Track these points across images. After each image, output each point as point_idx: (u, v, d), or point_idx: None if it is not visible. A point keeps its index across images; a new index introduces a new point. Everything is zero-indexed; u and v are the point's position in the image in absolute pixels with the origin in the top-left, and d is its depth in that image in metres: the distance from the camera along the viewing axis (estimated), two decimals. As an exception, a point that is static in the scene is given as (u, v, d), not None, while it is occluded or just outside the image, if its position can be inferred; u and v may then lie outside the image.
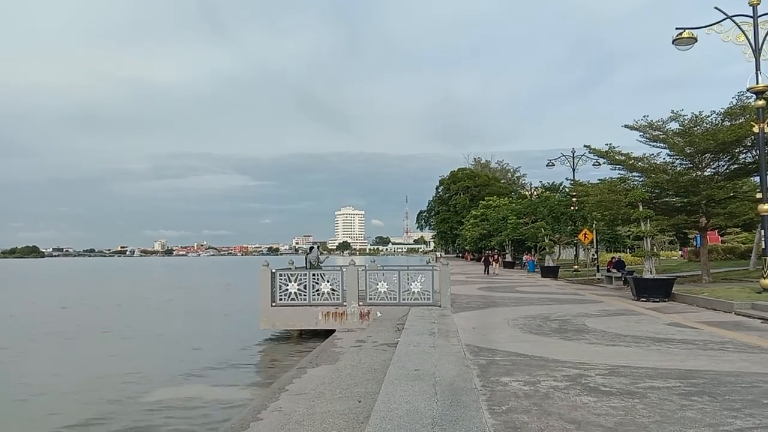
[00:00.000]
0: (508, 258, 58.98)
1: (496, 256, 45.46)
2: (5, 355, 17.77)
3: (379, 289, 18.45)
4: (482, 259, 47.98)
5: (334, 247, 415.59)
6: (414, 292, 18.27)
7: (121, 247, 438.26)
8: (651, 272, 20.45)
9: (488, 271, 41.50)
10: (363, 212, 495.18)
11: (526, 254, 53.11)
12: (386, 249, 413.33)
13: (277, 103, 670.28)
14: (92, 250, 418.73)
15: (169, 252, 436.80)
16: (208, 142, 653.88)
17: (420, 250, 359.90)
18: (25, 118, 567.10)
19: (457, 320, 14.65)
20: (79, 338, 21.49)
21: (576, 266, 41.20)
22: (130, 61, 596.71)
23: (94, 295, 45.04)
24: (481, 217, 70.68)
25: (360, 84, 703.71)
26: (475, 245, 78.52)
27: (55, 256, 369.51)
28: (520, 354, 9.83)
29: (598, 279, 32.01)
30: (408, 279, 18.52)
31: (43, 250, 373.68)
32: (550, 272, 37.50)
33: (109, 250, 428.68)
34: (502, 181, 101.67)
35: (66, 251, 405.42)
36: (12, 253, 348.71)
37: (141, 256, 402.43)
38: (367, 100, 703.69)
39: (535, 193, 62.64)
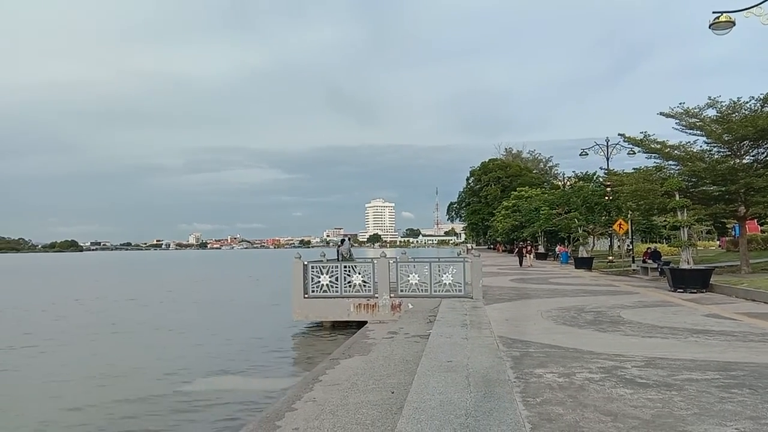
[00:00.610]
0: (541, 249, 58.35)
1: (529, 248, 44.81)
2: (44, 348, 18.32)
3: (411, 281, 18.47)
4: (516, 251, 47.43)
5: (365, 240, 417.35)
6: (445, 284, 18.24)
7: (157, 241, 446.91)
8: (688, 263, 20.04)
9: (522, 263, 41.00)
10: (393, 204, 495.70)
11: (559, 245, 52.51)
12: (417, 241, 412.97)
13: (306, 97, 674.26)
14: (129, 244, 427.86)
15: (203, 245, 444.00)
16: (240, 136, 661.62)
17: (451, 242, 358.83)
18: (65, 115, 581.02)
19: (490, 312, 14.59)
20: (121, 330, 22.00)
21: (611, 257, 40.58)
22: (164, 58, 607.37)
23: (132, 288, 46.07)
24: (512, 208, 70.01)
25: (388, 75, 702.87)
26: (506, 237, 77.89)
27: (93, 249, 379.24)
28: (554, 346, 9.75)
29: (634, 270, 31.46)
30: (439, 271, 18.50)
31: (81, 245, 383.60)
32: (584, 263, 37.02)
33: (145, 243, 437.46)
34: (534, 172, 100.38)
35: (103, 245, 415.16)
36: (52, 247, 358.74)
37: (176, 249, 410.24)
38: (395, 92, 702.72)
39: (568, 183, 61.70)
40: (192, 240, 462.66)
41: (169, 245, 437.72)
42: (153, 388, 12.33)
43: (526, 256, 41.33)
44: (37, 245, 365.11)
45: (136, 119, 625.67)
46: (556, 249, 52.28)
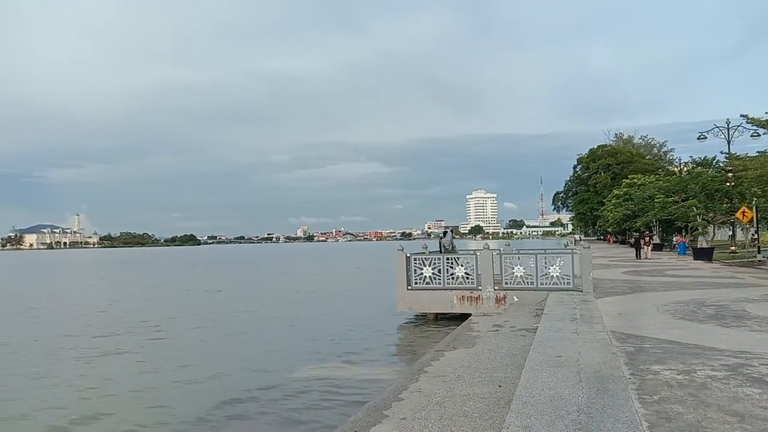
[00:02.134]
0: (656, 240, 55.21)
1: (648, 239, 42.00)
2: (171, 333, 19.72)
3: (516, 273, 18.11)
4: (633, 242, 44.84)
5: (466, 232, 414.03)
6: (552, 277, 17.72)
7: (268, 234, 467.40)
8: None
9: (639, 254, 38.44)
10: (495, 195, 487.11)
11: (676, 235, 49.52)
12: (520, 232, 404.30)
13: (406, 89, 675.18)
14: (242, 237, 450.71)
15: (310, 238, 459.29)
16: (342, 131, 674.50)
17: (557, 233, 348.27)
18: (180, 116, 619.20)
19: (601, 306, 14.05)
20: (235, 318, 23.26)
21: (733, 247, 37.77)
22: (267, 57, 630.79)
23: (250, 279, 48.53)
24: (624, 196, 66.78)
25: (489, 63, 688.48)
26: (618, 227, 74.51)
27: (209, 243, 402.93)
28: (671, 341, 9.24)
29: (759, 261, 29.18)
30: (546, 263, 17.99)
31: (199, 238, 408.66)
32: (704, 254, 34.69)
33: (257, 237, 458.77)
34: (647, 158, 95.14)
35: (219, 239, 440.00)
36: (173, 241, 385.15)
37: (285, 242, 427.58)
38: (496, 80, 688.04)
39: (684, 169, 58.03)
40: (300, 233, 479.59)
41: (279, 238, 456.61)
42: (263, 376, 12.92)
43: (643, 247, 38.82)
44: (160, 239, 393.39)
45: (247, 118, 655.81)
46: (673, 239, 49.32)
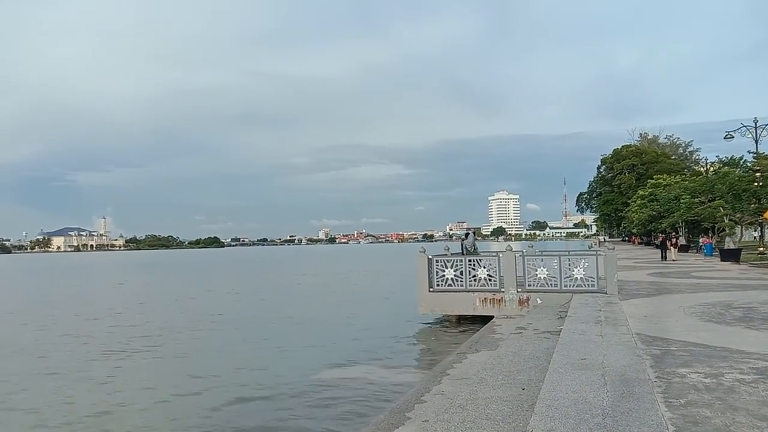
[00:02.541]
0: (682, 241, 54.36)
1: (675, 240, 41.03)
2: (186, 336, 19.94)
3: (539, 275, 17.97)
4: (659, 244, 43.95)
5: (489, 233, 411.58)
6: (576, 278, 17.55)
7: (290, 236, 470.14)
8: None
9: (665, 256, 37.51)
10: (518, 196, 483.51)
11: (703, 236, 48.67)
12: (543, 234, 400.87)
13: (427, 91, 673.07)
14: (265, 240, 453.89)
15: (332, 240, 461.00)
16: (363, 133, 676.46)
17: (581, 234, 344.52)
18: (201, 119, 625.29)
19: (626, 308, 13.88)
20: (256, 321, 23.44)
21: (761, 248, 36.99)
22: (289, 61, 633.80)
23: (271, 281, 48.87)
24: (649, 197, 65.87)
25: (511, 64, 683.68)
26: (643, 228, 73.51)
27: (232, 245, 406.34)
28: (698, 344, 9.09)
29: (791, 263, 28.49)
30: (569, 264, 17.82)
31: (222, 241, 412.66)
32: (731, 255, 34.03)
33: (280, 239, 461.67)
34: (672, 158, 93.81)
35: (242, 241, 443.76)
36: (197, 243, 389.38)
37: (307, 244, 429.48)
38: (518, 81, 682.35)
39: (711, 169, 56.99)
40: (321, 235, 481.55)
41: (301, 240, 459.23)
42: (284, 378, 12.97)
43: (669, 248, 37.99)
44: (184, 242, 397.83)
45: (270, 121, 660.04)
46: (699, 240, 48.48)
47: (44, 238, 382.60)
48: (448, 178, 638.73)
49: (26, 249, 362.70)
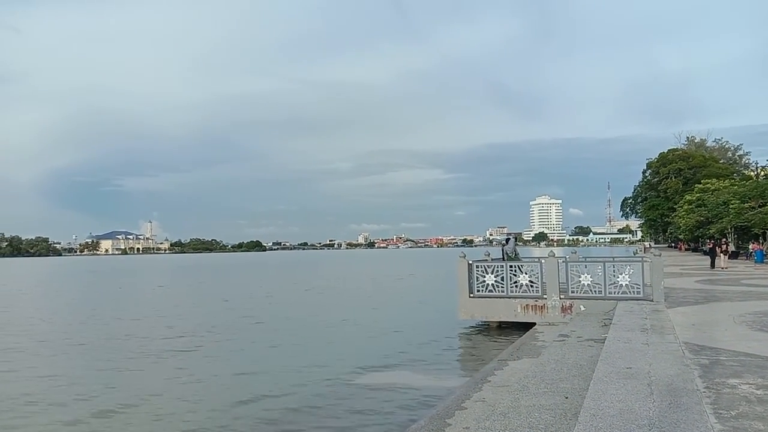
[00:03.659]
0: (731, 247, 52.64)
1: (725, 247, 39.26)
2: (230, 335, 20.28)
3: (582, 282, 17.66)
4: (708, 250, 42.23)
5: (530, 239, 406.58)
6: (621, 285, 17.19)
7: (330, 241, 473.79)
8: None
9: (714, 263, 35.63)
10: (560, 201, 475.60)
11: (753, 243, 47.04)
12: (587, 239, 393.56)
13: (467, 95, 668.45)
14: (305, 244, 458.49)
15: (371, 244, 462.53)
16: (403, 138, 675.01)
17: (625, 240, 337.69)
18: (245, 125, 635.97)
19: (673, 316, 13.54)
20: (297, 324, 23.68)
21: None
22: (330, 66, 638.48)
23: (312, 284, 49.34)
24: (696, 202, 64.21)
25: (553, 66, 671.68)
26: (690, 234, 71.62)
27: (274, 249, 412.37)
28: (749, 354, 8.81)
29: None
30: (614, 271, 17.48)
31: (264, 245, 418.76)
32: (784, 263, 32.79)
33: (320, 243, 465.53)
34: (720, 162, 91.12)
35: (283, 245, 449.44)
36: (239, 247, 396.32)
37: (347, 248, 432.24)
38: (561, 83, 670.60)
39: (762, 173, 55.13)
40: (361, 240, 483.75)
41: (341, 245, 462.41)
42: (324, 382, 13.03)
43: (719, 255, 36.29)
44: (227, 245, 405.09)
45: (310, 127, 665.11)
46: (749, 247, 46.85)
47: (93, 241, 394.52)
48: (488, 183, 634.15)
49: (76, 252, 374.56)
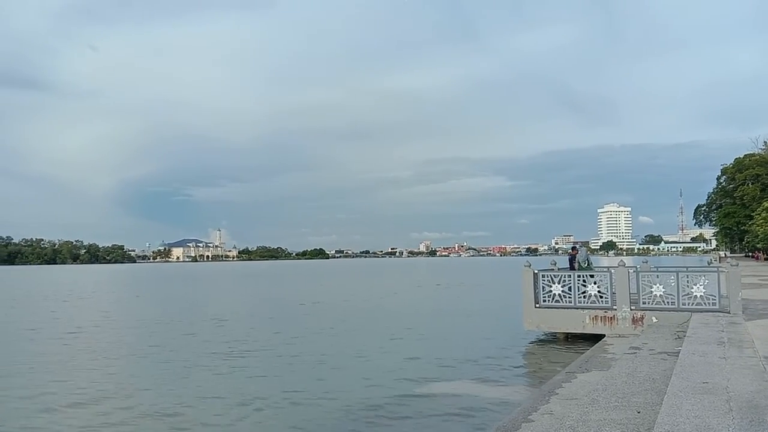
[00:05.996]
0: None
1: None
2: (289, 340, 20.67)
3: (654, 293, 17.07)
4: None
5: (598, 247, 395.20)
6: (696, 296, 16.53)
7: (391, 249, 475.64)
8: None
9: None
10: (629, 209, 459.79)
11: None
12: (658, 249, 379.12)
13: (531, 101, 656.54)
14: (367, 252, 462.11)
15: (432, 253, 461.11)
16: (464, 146, 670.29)
17: (699, 249, 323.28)
18: (309, 135, 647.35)
19: (752, 329, 12.93)
20: (360, 333, 23.92)
21: None
22: (392, 76, 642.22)
23: (374, 293, 49.70)
24: (776, 210, 60.93)
25: (621, 70, 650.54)
26: (768, 243, 68.02)
27: (337, 257, 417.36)
28: (839, 372, 8.32)
29: None
30: (688, 281, 16.82)
31: (327, 253, 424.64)
32: None
33: (381, 251, 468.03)
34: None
35: (346, 253, 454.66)
36: (303, 254, 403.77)
37: (408, 256, 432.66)
38: (629, 87, 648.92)
39: None
40: (422, 248, 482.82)
41: (402, 253, 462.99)
42: (389, 391, 13.12)
43: None
44: (292, 253, 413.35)
45: (373, 136, 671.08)
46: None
47: (165, 249, 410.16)
48: (553, 190, 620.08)
49: (149, 259, 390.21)
